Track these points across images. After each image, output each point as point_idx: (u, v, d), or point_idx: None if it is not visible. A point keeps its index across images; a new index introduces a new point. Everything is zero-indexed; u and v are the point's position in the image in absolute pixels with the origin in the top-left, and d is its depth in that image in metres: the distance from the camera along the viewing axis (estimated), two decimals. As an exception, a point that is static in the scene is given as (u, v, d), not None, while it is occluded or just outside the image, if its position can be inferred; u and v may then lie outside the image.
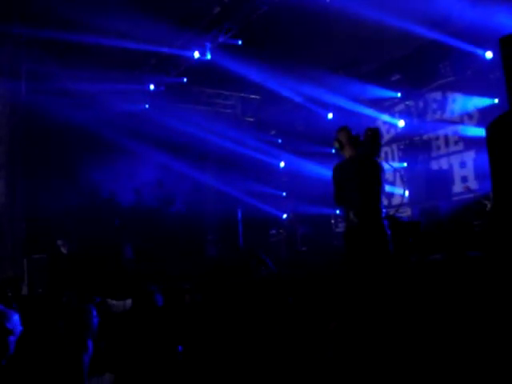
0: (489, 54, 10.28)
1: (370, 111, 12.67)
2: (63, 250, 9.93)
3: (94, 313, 3.94)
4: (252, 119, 15.09)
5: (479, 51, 10.32)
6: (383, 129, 12.38)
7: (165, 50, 11.76)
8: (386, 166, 6.02)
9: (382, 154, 5.84)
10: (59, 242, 9.89)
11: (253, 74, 12.22)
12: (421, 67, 11.35)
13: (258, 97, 14.43)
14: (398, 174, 12.53)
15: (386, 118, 12.80)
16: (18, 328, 3.55)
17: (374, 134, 5.63)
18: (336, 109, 13.20)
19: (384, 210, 5.50)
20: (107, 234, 11.54)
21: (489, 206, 9.50)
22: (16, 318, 3.60)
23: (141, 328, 3.90)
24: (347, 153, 5.63)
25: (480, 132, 10.34)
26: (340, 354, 2.02)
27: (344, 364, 1.98)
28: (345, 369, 1.93)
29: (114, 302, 6.22)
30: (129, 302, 5.76)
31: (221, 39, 11.31)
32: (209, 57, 11.71)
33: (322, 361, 2.17)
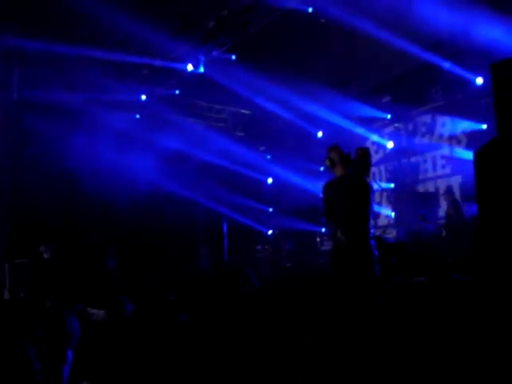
0: (479, 80, 10.39)
1: (360, 130, 12.75)
2: (45, 256, 9.83)
3: (75, 321, 3.89)
4: (242, 134, 15.11)
5: (470, 76, 10.43)
6: (372, 149, 12.45)
7: (158, 61, 11.77)
8: (375, 185, 6.03)
9: (371, 175, 5.83)
10: (42, 248, 9.79)
11: (245, 88, 12.25)
12: (411, 90, 11.46)
13: (248, 112, 14.47)
14: (385, 195, 12.59)
15: (375, 138, 12.87)
16: None
17: (364, 154, 5.65)
18: (326, 126, 13.27)
19: (372, 231, 5.50)
20: (92, 241, 11.48)
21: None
22: None
23: (114, 337, 3.87)
24: (338, 171, 5.63)
25: (467, 156, 10.42)
26: (318, 366, 2.00)
27: (322, 376, 1.98)
28: (323, 380, 1.92)
29: (95, 310, 6.17)
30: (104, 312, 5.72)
31: (215, 53, 11.34)
32: (202, 70, 11.74)
33: (301, 373, 2.16)
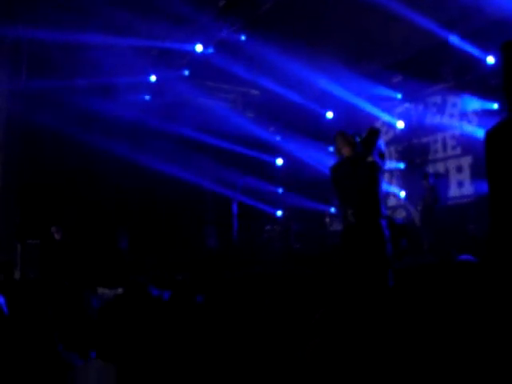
0: (490, 59, 10.28)
1: (371, 109, 12.67)
2: (56, 237, 9.92)
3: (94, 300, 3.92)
4: (252, 115, 15.06)
5: (482, 55, 10.32)
6: (382, 129, 12.38)
7: (167, 43, 11.73)
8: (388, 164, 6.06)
9: (383, 154, 5.82)
10: (53, 229, 9.88)
11: (255, 68, 12.20)
12: (422, 69, 11.35)
13: (258, 92, 14.41)
14: (394, 175, 12.57)
15: (386, 117, 12.79)
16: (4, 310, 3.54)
17: (370, 133, 5.66)
18: (337, 107, 13.21)
19: (383, 211, 5.50)
20: (103, 221, 11.56)
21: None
22: (1, 300, 3.59)
23: (129, 319, 3.90)
24: (345, 153, 5.64)
25: (478, 137, 10.36)
26: (325, 342, 2.02)
27: (328, 353, 1.99)
28: (329, 358, 1.93)
29: (107, 290, 6.22)
30: (120, 291, 5.77)
31: (224, 33, 11.28)
32: (211, 50, 11.69)
33: (308, 347, 2.17)
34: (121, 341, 3.16)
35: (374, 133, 5.72)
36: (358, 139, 5.72)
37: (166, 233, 12.62)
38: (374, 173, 5.48)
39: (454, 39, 10.24)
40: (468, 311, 3.20)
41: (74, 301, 3.85)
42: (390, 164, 12.32)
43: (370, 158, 5.52)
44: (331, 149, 12.86)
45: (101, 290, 6.25)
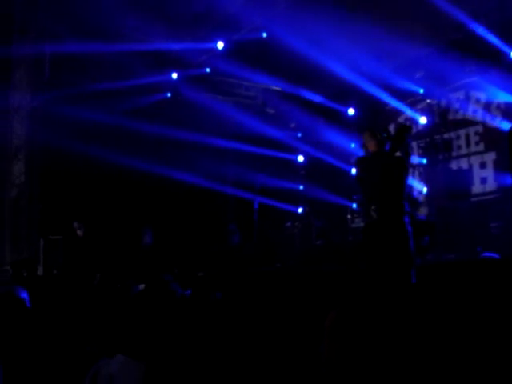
0: (514, 54, 10.14)
1: (394, 104, 12.59)
2: (79, 233, 10.00)
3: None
4: (273, 111, 15.03)
5: (505, 49, 10.17)
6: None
7: (188, 43, 11.78)
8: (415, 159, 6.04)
9: (409, 151, 5.79)
10: (75, 225, 9.95)
11: (274, 67, 12.19)
12: (445, 65, 11.23)
13: (279, 88, 14.37)
14: (416, 172, 12.47)
15: (408, 112, 12.70)
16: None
17: (400, 130, 5.62)
18: (359, 101, 13.14)
19: (406, 208, 5.46)
20: (127, 218, 11.62)
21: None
22: (24, 295, 3.63)
23: (151, 315, 3.91)
24: (372, 148, 5.60)
25: (502, 133, 10.24)
26: (344, 340, 2.00)
27: (349, 351, 1.97)
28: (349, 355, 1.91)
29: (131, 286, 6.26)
30: (142, 287, 5.80)
31: (244, 31, 11.30)
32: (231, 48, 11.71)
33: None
34: (143, 337, 3.17)
35: (406, 130, 5.69)
36: (384, 135, 5.69)
37: (189, 230, 12.67)
38: (401, 170, 5.44)
39: (479, 32, 10.09)
40: (492, 308, 3.16)
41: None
42: (413, 159, 12.24)
43: (398, 154, 5.48)
44: (353, 145, 12.88)
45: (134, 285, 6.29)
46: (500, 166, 10.61)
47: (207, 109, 13.03)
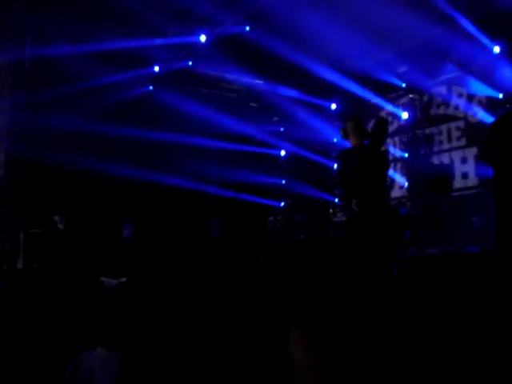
0: (496, 49, 10.20)
1: (375, 100, 12.67)
2: (60, 226, 9.90)
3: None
4: (256, 105, 15.01)
5: (487, 45, 10.23)
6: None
7: (171, 33, 11.71)
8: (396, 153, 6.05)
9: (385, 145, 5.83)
10: (56, 218, 9.86)
11: (257, 58, 12.16)
12: (428, 61, 11.28)
13: (261, 82, 14.35)
14: (398, 165, 12.54)
15: (390, 108, 12.76)
16: None
17: (379, 123, 5.63)
18: (341, 97, 13.19)
19: (388, 202, 5.49)
20: (107, 210, 11.55)
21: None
22: None
23: (129, 308, 3.88)
24: (352, 141, 5.61)
25: (483, 129, 10.32)
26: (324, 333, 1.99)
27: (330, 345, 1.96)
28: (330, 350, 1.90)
29: (107, 279, 6.21)
30: (123, 280, 5.75)
31: (229, 23, 11.24)
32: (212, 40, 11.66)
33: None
34: (124, 330, 3.15)
35: (384, 123, 5.70)
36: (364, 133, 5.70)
37: (170, 223, 12.62)
38: (382, 163, 5.46)
39: (462, 26, 10.14)
40: (474, 301, 3.18)
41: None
42: (395, 153, 12.32)
43: (382, 148, 5.49)
44: (335, 139, 12.92)
45: (104, 279, 6.23)
46: (481, 161, 10.71)
47: (187, 107, 12.96)
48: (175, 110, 12.58)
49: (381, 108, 12.96)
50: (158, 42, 11.85)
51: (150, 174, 12.03)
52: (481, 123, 10.86)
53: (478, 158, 10.99)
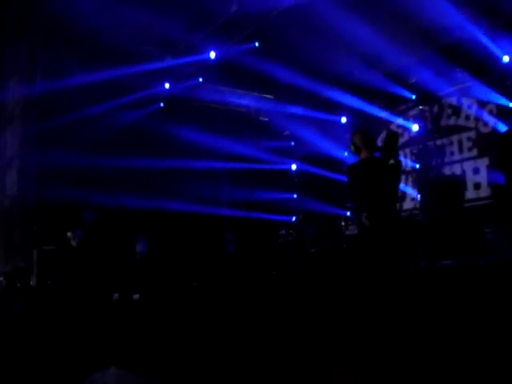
0: (506, 58, 10.18)
1: (384, 114, 12.67)
2: (72, 243, 9.93)
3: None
4: (266, 119, 15.06)
5: (497, 54, 10.21)
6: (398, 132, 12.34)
7: (180, 51, 11.80)
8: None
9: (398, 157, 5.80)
10: (69, 235, 9.89)
11: (267, 74, 12.21)
12: (436, 71, 11.28)
13: (272, 96, 14.40)
14: (410, 177, 12.49)
15: (400, 121, 12.76)
16: None
17: (390, 136, 5.61)
18: (350, 112, 13.22)
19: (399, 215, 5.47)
20: (121, 226, 11.58)
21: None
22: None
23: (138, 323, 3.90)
24: (363, 155, 5.59)
25: (494, 139, 10.27)
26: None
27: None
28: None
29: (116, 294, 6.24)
30: (136, 296, 5.78)
31: (237, 39, 11.31)
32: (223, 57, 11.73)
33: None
34: (139, 348, 3.15)
35: (394, 136, 5.69)
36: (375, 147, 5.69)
37: (184, 239, 12.63)
38: (393, 176, 5.44)
39: (471, 37, 10.13)
40: (488, 312, 3.15)
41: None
42: (406, 165, 12.28)
43: (391, 161, 5.46)
44: (346, 153, 12.91)
45: (117, 297, 6.26)
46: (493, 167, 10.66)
47: (194, 128, 13.02)
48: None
49: (391, 121, 12.95)
50: (169, 57, 11.94)
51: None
52: (492, 133, 10.82)
53: (491, 165, 10.93)
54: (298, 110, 13.69)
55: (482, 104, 11.14)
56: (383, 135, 5.78)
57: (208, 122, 13.46)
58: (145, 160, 12.04)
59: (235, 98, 14.34)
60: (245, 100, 14.59)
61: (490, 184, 10.83)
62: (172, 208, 12.26)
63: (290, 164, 15.04)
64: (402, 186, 11.77)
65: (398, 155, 5.62)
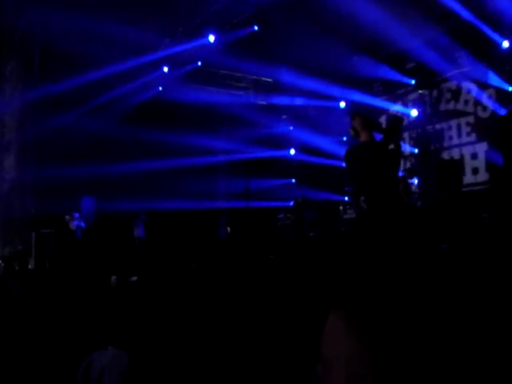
0: (506, 44, 10.14)
1: (382, 102, 12.66)
2: (71, 226, 9.94)
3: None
4: (264, 102, 15.01)
5: (497, 39, 10.17)
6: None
7: (179, 34, 11.75)
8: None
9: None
10: (67, 218, 9.89)
11: (266, 56, 12.19)
12: (437, 56, 11.23)
13: (270, 80, 14.35)
14: (408, 162, 12.48)
15: (398, 107, 12.73)
16: None
17: (397, 121, 5.59)
18: (349, 96, 13.20)
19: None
20: (119, 211, 11.59)
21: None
22: None
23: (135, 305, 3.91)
24: (362, 138, 5.57)
25: (493, 124, 10.26)
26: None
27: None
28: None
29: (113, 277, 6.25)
30: (134, 279, 5.79)
31: (236, 23, 11.29)
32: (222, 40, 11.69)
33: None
34: (132, 328, 3.17)
35: (399, 120, 5.68)
36: (377, 128, 5.66)
37: (180, 223, 12.64)
38: (393, 160, 5.42)
39: (471, 22, 10.08)
40: (487, 297, 3.16)
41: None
42: (405, 149, 12.26)
43: (392, 146, 5.44)
44: (345, 138, 12.88)
45: (115, 279, 6.27)
46: (491, 157, 10.66)
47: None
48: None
49: (388, 107, 12.93)
50: (168, 42, 11.90)
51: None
52: (491, 118, 10.81)
53: (489, 149, 10.92)
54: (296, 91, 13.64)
55: (482, 87, 11.09)
56: (387, 118, 5.77)
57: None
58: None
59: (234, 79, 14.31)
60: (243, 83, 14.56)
61: (488, 168, 10.83)
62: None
63: (289, 149, 15.00)
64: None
65: (399, 140, 5.59)
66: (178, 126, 12.61)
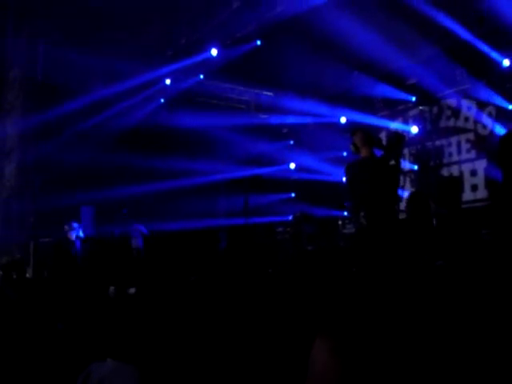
0: (506, 62, 10.20)
1: (382, 121, 12.70)
2: (69, 235, 9.93)
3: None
4: (265, 116, 15.04)
5: (497, 58, 10.23)
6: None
7: (182, 47, 11.80)
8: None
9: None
10: (66, 227, 9.90)
11: (268, 71, 12.23)
12: (437, 73, 11.29)
13: (271, 93, 14.40)
14: (408, 179, 12.49)
15: (397, 125, 12.76)
16: None
17: (399, 139, 5.62)
18: (349, 113, 13.24)
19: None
20: (117, 220, 11.58)
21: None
22: None
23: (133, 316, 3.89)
24: (363, 154, 5.59)
25: (493, 141, 10.29)
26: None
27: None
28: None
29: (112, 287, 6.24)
30: (132, 290, 5.78)
31: (238, 36, 11.32)
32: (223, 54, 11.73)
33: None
34: (138, 341, 3.16)
35: (400, 138, 5.70)
36: (377, 144, 5.68)
37: (180, 236, 12.63)
38: (396, 176, 5.44)
39: (471, 40, 10.14)
40: (485, 310, 3.16)
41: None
42: (404, 166, 12.28)
43: (392, 162, 5.46)
44: (345, 153, 12.89)
45: (113, 290, 6.26)
46: (490, 174, 10.68)
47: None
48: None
49: (390, 122, 12.96)
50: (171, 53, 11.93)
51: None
52: (490, 135, 10.84)
53: (488, 167, 10.95)
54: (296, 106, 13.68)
55: (482, 106, 11.14)
56: (388, 135, 5.79)
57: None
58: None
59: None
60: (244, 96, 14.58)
61: (488, 185, 10.85)
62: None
63: (288, 164, 15.00)
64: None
65: (399, 156, 5.62)
66: (177, 149, 12.63)
